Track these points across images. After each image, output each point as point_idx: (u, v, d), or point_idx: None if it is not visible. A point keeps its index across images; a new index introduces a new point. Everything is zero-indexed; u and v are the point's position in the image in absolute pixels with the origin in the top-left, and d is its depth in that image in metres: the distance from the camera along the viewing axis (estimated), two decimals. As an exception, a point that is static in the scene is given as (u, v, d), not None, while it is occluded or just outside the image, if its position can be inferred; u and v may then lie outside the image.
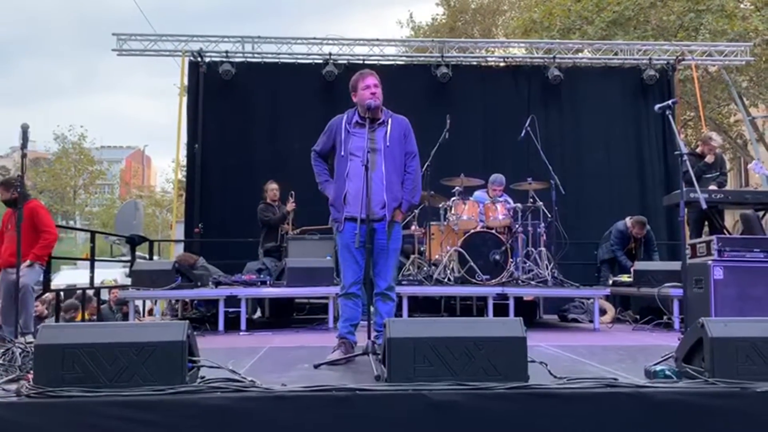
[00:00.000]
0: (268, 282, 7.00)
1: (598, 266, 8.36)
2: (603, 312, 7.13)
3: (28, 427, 2.59)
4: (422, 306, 7.45)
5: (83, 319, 8.15)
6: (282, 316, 7.57)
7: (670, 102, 5.15)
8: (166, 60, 10.03)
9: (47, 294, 8.19)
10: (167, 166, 50.43)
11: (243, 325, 6.38)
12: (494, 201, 7.19)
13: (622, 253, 8.03)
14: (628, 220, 8.03)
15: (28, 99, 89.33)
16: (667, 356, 3.32)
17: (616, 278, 7.74)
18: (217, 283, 6.96)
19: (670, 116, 5.21)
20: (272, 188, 8.11)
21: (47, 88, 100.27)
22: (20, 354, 3.37)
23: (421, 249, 7.41)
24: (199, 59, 9.86)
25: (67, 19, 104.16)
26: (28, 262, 5.75)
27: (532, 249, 7.19)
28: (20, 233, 4.74)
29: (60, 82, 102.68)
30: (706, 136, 7.46)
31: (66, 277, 15.77)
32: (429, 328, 3.01)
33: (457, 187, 7.20)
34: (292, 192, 8.06)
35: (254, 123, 9.87)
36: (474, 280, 6.63)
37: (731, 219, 10.39)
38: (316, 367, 3.67)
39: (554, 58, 10.12)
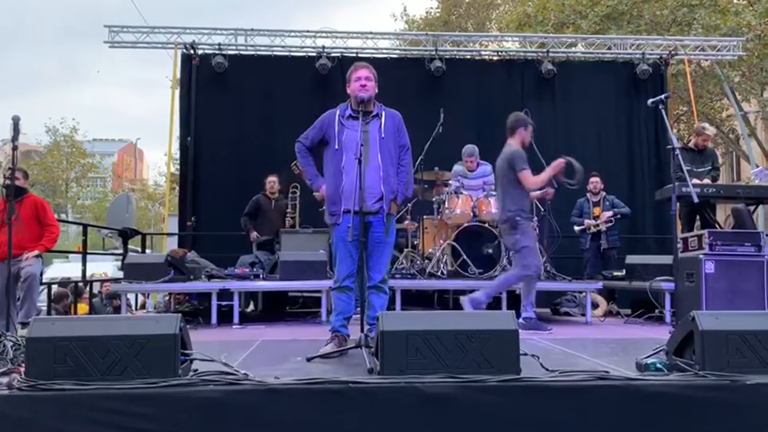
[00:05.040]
0: (261, 275, 7.00)
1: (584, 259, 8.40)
2: (595, 305, 7.17)
3: (20, 420, 2.59)
4: (415, 299, 7.46)
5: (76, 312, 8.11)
6: (275, 309, 7.56)
7: (662, 96, 5.18)
8: (158, 52, 9.99)
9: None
10: (160, 159, 50.30)
11: (236, 319, 6.38)
12: (466, 176, 7.35)
13: (576, 218, 8.26)
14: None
15: (16, 91, 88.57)
16: (658, 349, 3.34)
17: (606, 272, 7.78)
18: (210, 277, 6.94)
19: (662, 110, 5.23)
20: (269, 180, 8.12)
21: (36, 80, 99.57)
22: (12, 347, 3.35)
23: (414, 243, 7.41)
24: (191, 52, 9.81)
25: (56, 11, 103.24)
26: (36, 252, 5.88)
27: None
28: (11, 225, 4.70)
29: (49, 74, 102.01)
30: (699, 127, 7.44)
31: (58, 270, 15.69)
32: (422, 321, 3.02)
33: (450, 181, 7.22)
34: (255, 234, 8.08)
35: (247, 116, 9.82)
36: (467, 274, 6.65)
37: (722, 213, 10.44)
38: (309, 360, 3.68)
39: (548, 52, 10.11)
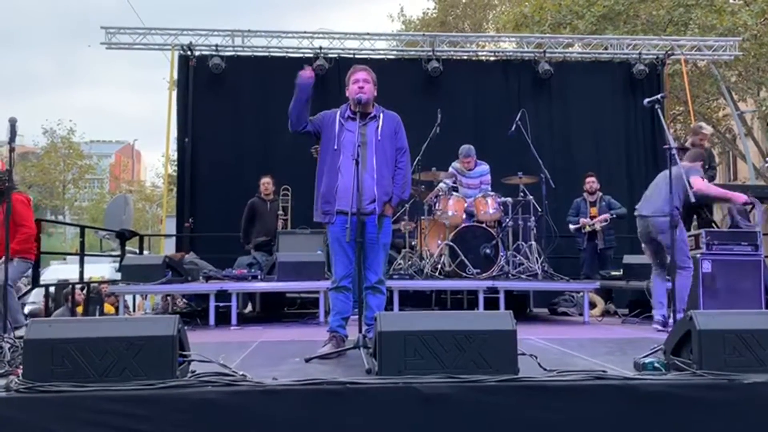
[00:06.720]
0: (258, 276, 6.99)
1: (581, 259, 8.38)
2: (592, 305, 7.17)
3: (18, 422, 2.58)
4: (413, 300, 7.45)
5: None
6: (273, 310, 7.56)
7: (659, 96, 5.17)
8: (155, 53, 9.96)
9: (36, 289, 8.14)
10: (157, 160, 50.20)
11: (234, 320, 6.37)
12: (464, 174, 7.39)
13: (572, 217, 8.23)
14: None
15: (11, 93, 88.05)
16: (655, 349, 3.35)
17: (603, 272, 7.78)
18: (208, 278, 6.94)
19: (659, 110, 5.24)
20: (264, 182, 8.13)
21: (33, 81, 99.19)
22: (9, 349, 3.35)
23: (412, 243, 7.42)
24: (188, 53, 9.80)
25: (53, 12, 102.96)
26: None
27: (523, 243, 7.21)
28: (8, 227, 4.70)
29: (45, 76, 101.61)
30: (696, 126, 7.42)
31: (55, 272, 15.66)
32: (420, 322, 3.02)
33: (445, 180, 7.23)
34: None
35: (244, 117, 9.81)
36: (465, 274, 6.65)
37: (719, 213, 10.46)
38: (307, 361, 3.68)
39: (544, 52, 10.12)
